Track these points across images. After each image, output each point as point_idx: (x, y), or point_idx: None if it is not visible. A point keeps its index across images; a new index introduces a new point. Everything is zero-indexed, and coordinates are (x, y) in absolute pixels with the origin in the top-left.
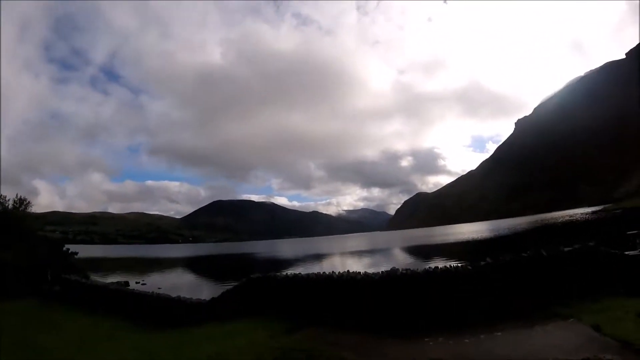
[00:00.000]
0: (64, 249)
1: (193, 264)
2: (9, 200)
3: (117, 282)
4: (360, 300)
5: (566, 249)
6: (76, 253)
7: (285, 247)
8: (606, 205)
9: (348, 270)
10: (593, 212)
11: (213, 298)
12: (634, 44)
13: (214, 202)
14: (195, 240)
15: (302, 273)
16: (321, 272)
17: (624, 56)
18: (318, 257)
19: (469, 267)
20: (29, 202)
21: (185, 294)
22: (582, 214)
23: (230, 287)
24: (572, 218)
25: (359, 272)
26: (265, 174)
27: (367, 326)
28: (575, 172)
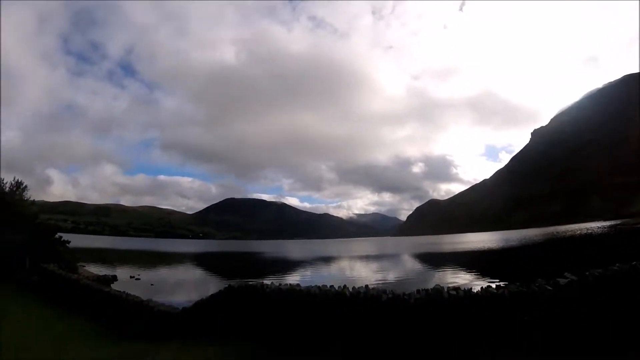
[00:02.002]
0: (56, 236)
1: (198, 260)
2: (6, 183)
3: (104, 276)
4: (387, 331)
5: None
6: (68, 242)
7: (294, 248)
8: (625, 220)
9: (367, 286)
10: (611, 226)
11: (184, 308)
12: None
13: (225, 199)
14: (205, 236)
15: (302, 286)
16: (328, 287)
17: None
18: (326, 260)
19: (548, 287)
20: (25, 186)
21: (175, 294)
22: (598, 227)
23: (207, 296)
24: (589, 231)
25: (384, 292)
26: (276, 174)
27: None
28: (589, 186)
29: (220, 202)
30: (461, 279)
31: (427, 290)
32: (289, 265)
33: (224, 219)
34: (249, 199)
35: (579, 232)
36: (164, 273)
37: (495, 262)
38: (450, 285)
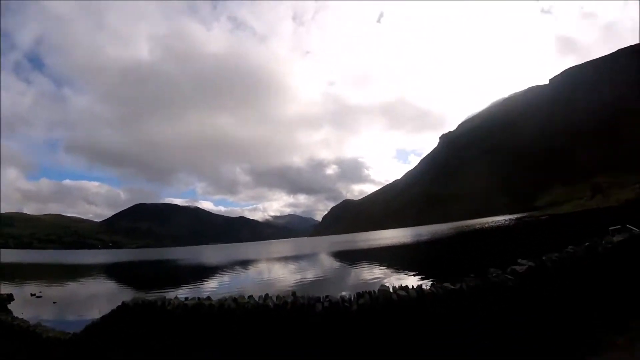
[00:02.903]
0: None
1: (108, 272)
2: None
3: None
4: (326, 349)
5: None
6: None
7: (210, 254)
8: (530, 212)
9: (294, 294)
10: (518, 219)
11: (75, 334)
12: (556, 72)
13: (135, 205)
14: (115, 245)
15: (214, 299)
16: (246, 298)
17: (547, 82)
18: (244, 264)
19: (509, 277)
20: None
21: (79, 312)
22: (505, 220)
23: (98, 319)
24: (498, 224)
25: (319, 300)
26: (189, 178)
27: None
28: (494, 185)
29: (130, 207)
30: (378, 272)
31: (370, 292)
32: (205, 272)
33: (135, 226)
34: (161, 204)
35: (487, 225)
36: (70, 288)
37: (409, 255)
38: (370, 280)
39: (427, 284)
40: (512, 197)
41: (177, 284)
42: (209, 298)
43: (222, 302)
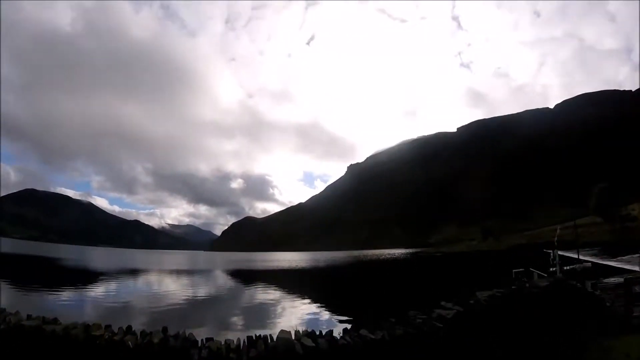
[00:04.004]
0: None
1: None
2: None
3: None
4: None
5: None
6: None
7: (99, 256)
8: (425, 249)
9: (165, 332)
10: (413, 254)
11: None
12: (464, 122)
13: (25, 189)
14: None
15: (59, 325)
16: (102, 328)
17: (455, 130)
18: (134, 272)
19: (438, 324)
20: None
21: None
22: (401, 253)
23: None
24: (394, 256)
25: (196, 343)
26: (86, 168)
27: None
28: (392, 219)
29: (19, 191)
30: (271, 295)
31: (265, 339)
32: (92, 277)
33: (21, 213)
34: (53, 193)
35: (382, 257)
36: None
37: (307, 280)
38: (264, 303)
39: (339, 332)
40: (407, 232)
41: (61, 285)
42: (55, 321)
43: (68, 330)
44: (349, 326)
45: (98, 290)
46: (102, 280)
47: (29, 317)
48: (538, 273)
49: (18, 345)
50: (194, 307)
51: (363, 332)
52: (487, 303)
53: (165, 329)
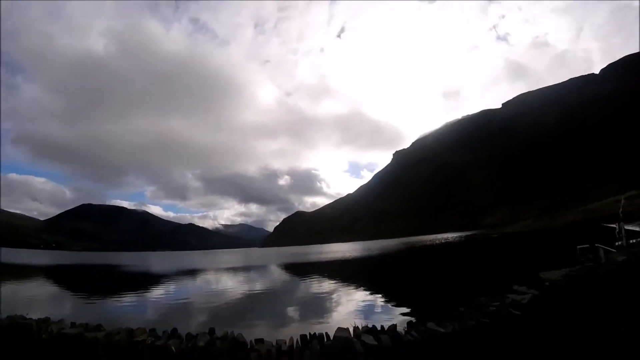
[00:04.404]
0: None
1: (51, 274)
2: None
3: None
4: None
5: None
6: None
7: (157, 261)
8: (480, 230)
9: (211, 333)
10: (468, 236)
11: None
12: (509, 97)
13: (82, 205)
14: (59, 246)
15: (106, 327)
16: (147, 332)
17: (500, 106)
18: (191, 273)
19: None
20: None
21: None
22: (455, 237)
23: None
24: (448, 240)
25: (245, 345)
26: (138, 180)
27: None
28: (441, 203)
29: (75, 207)
30: (326, 286)
31: (321, 337)
32: (150, 280)
33: (80, 227)
34: (108, 205)
35: (436, 241)
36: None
37: (358, 270)
38: (319, 295)
39: (403, 326)
40: (457, 216)
41: (119, 291)
42: (98, 327)
43: (111, 336)
44: (412, 318)
45: (158, 293)
46: (160, 282)
47: (72, 324)
48: (604, 248)
49: (60, 354)
50: (249, 303)
51: (431, 325)
52: (564, 284)
53: (212, 330)
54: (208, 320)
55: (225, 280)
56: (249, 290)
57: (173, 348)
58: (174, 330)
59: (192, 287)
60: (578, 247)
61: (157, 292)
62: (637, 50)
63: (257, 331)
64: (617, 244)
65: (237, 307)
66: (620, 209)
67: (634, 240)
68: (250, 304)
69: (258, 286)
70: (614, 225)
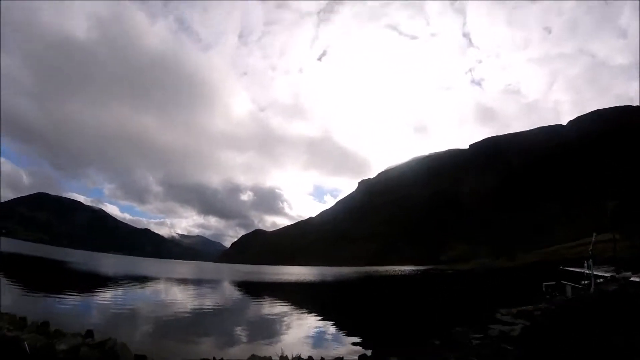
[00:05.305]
0: None
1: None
2: None
3: None
4: None
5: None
6: None
7: (110, 263)
8: (437, 266)
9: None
10: (424, 270)
11: None
12: (476, 139)
13: (38, 193)
14: (9, 233)
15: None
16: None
17: (467, 147)
18: (143, 280)
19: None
20: None
21: None
22: (412, 270)
23: None
24: (404, 273)
25: None
26: (98, 176)
27: None
28: (401, 235)
29: (31, 195)
30: (278, 308)
31: None
32: (101, 281)
33: (33, 215)
34: (65, 197)
35: (392, 272)
36: None
37: (311, 295)
38: (268, 317)
39: (352, 358)
40: (416, 249)
41: (69, 288)
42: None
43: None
44: (367, 351)
45: (104, 296)
46: (108, 286)
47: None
48: (572, 285)
49: None
50: (198, 318)
51: None
52: (557, 312)
53: (89, 333)
54: (159, 329)
55: (177, 292)
56: (200, 305)
57: (26, 344)
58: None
59: (143, 295)
60: (544, 283)
61: (107, 295)
62: (608, 106)
63: (207, 344)
64: (583, 282)
65: (186, 320)
66: (591, 248)
67: (601, 280)
68: (201, 318)
69: (210, 301)
70: (573, 269)
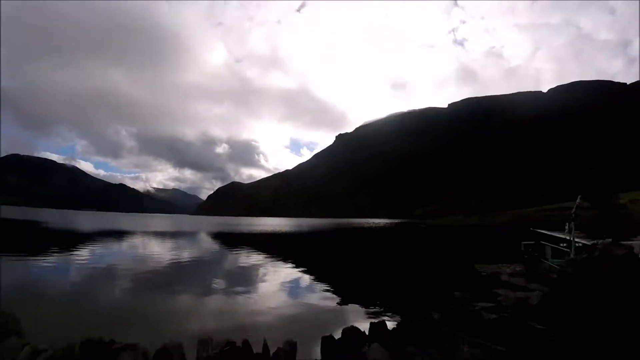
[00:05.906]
0: None
1: None
2: None
3: None
4: None
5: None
6: None
7: (85, 220)
8: (410, 219)
9: None
10: (397, 224)
11: None
12: (456, 99)
13: (9, 155)
14: None
15: None
16: None
17: (446, 106)
18: (119, 235)
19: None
20: None
21: None
22: (386, 223)
23: None
24: (378, 225)
25: None
26: (70, 133)
27: None
28: (378, 190)
29: (3, 157)
30: (254, 258)
31: None
32: (77, 239)
33: (5, 179)
34: (37, 157)
35: (367, 225)
36: None
37: (288, 245)
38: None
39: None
40: (392, 204)
41: (41, 249)
42: None
43: None
44: (334, 296)
45: (81, 254)
46: (84, 244)
47: None
48: (551, 246)
49: None
50: (176, 270)
51: None
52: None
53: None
54: (139, 284)
55: (155, 246)
56: (178, 258)
57: None
58: None
59: (121, 251)
60: (523, 242)
61: (84, 254)
62: (590, 79)
63: (186, 296)
64: (562, 244)
65: (165, 274)
66: (574, 211)
67: (580, 244)
68: (179, 271)
69: (187, 254)
70: (542, 231)
